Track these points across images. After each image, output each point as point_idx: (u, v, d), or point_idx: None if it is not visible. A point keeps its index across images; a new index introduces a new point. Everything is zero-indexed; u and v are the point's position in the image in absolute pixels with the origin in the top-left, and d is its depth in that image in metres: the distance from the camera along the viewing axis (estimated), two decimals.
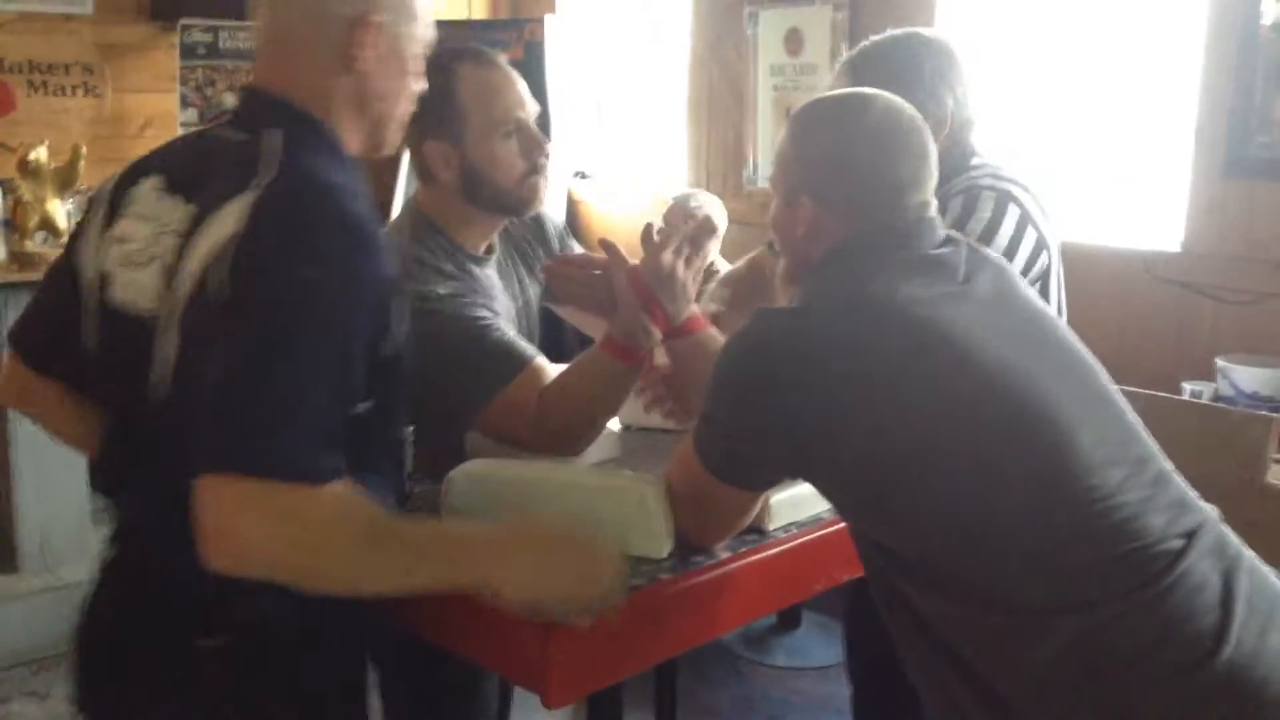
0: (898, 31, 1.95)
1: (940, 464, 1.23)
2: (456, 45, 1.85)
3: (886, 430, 1.24)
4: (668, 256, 1.65)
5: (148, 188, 1.30)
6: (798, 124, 1.46)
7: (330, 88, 1.31)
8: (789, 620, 3.46)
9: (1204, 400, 2.71)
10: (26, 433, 3.20)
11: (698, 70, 4.33)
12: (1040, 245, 1.88)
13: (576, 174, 4.70)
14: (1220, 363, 2.74)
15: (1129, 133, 3.24)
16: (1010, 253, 1.81)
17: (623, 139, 4.91)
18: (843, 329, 1.28)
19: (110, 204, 1.34)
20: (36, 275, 3.14)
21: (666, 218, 3.39)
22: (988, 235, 1.80)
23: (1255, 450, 2.51)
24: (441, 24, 4.74)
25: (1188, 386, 2.76)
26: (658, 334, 1.68)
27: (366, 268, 1.21)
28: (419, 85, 1.40)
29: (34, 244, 3.27)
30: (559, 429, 1.69)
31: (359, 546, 1.16)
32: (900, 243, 1.37)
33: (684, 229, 1.71)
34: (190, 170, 1.30)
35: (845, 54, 1.95)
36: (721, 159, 4.29)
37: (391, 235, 1.86)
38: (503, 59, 1.87)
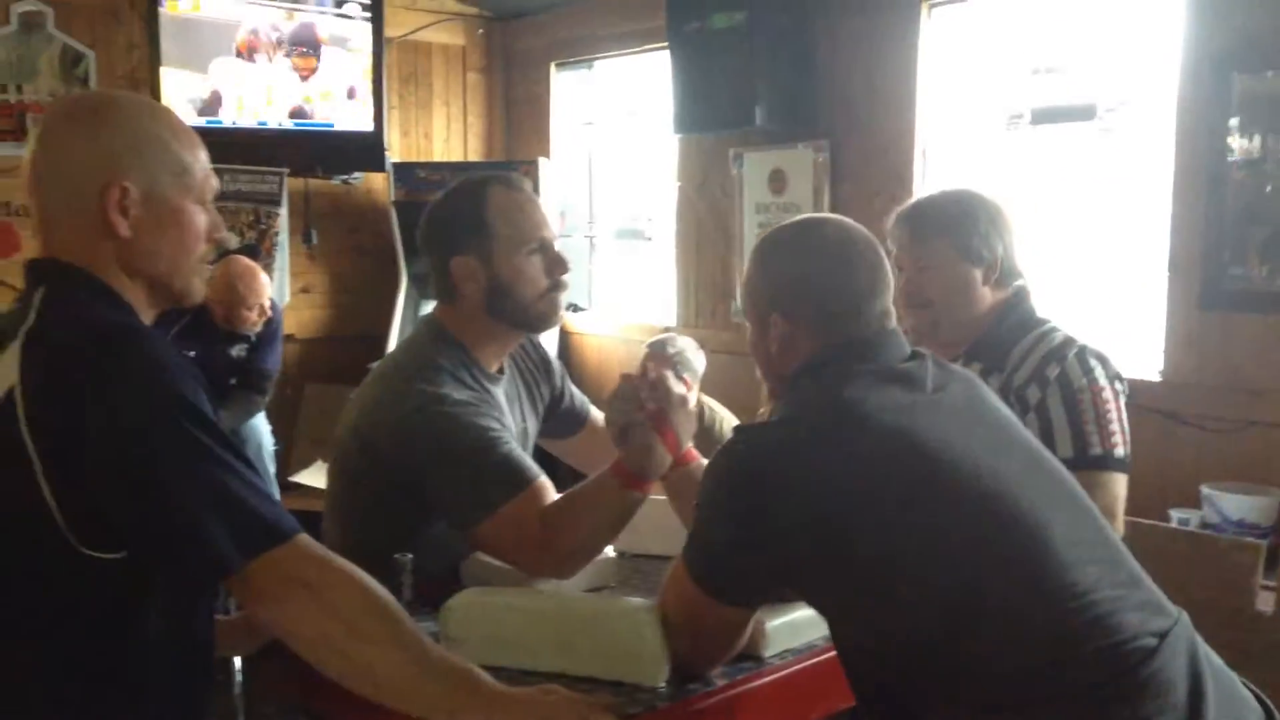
0: (951, 188, 2.12)
1: (919, 567, 1.27)
2: (485, 174, 1.98)
3: (867, 532, 1.28)
4: (678, 386, 1.71)
5: None
6: (760, 250, 1.55)
7: (98, 254, 1.30)
8: None
9: (1191, 528, 2.74)
10: None
11: (686, 208, 4.47)
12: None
13: (570, 306, 4.79)
14: (1205, 490, 2.78)
15: (1105, 265, 3.33)
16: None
17: (614, 274, 5.03)
18: (822, 437, 1.33)
19: None
20: None
21: (645, 361, 3.44)
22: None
23: (1244, 576, 2.53)
24: (440, 165, 4.89)
25: (1175, 514, 2.79)
26: (669, 459, 1.72)
27: (163, 356, 1.23)
28: (206, 234, 1.37)
29: None
30: (561, 551, 1.72)
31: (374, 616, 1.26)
32: (868, 354, 1.44)
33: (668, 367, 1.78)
34: None
35: (899, 208, 2.10)
36: (709, 292, 4.39)
37: (408, 349, 1.95)
38: (528, 185, 1.98)
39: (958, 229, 1.99)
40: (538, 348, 2.18)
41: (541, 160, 4.78)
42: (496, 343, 1.95)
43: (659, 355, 3.47)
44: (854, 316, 1.45)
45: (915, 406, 1.37)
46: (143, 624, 1.26)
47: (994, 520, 1.29)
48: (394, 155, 4.94)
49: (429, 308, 4.72)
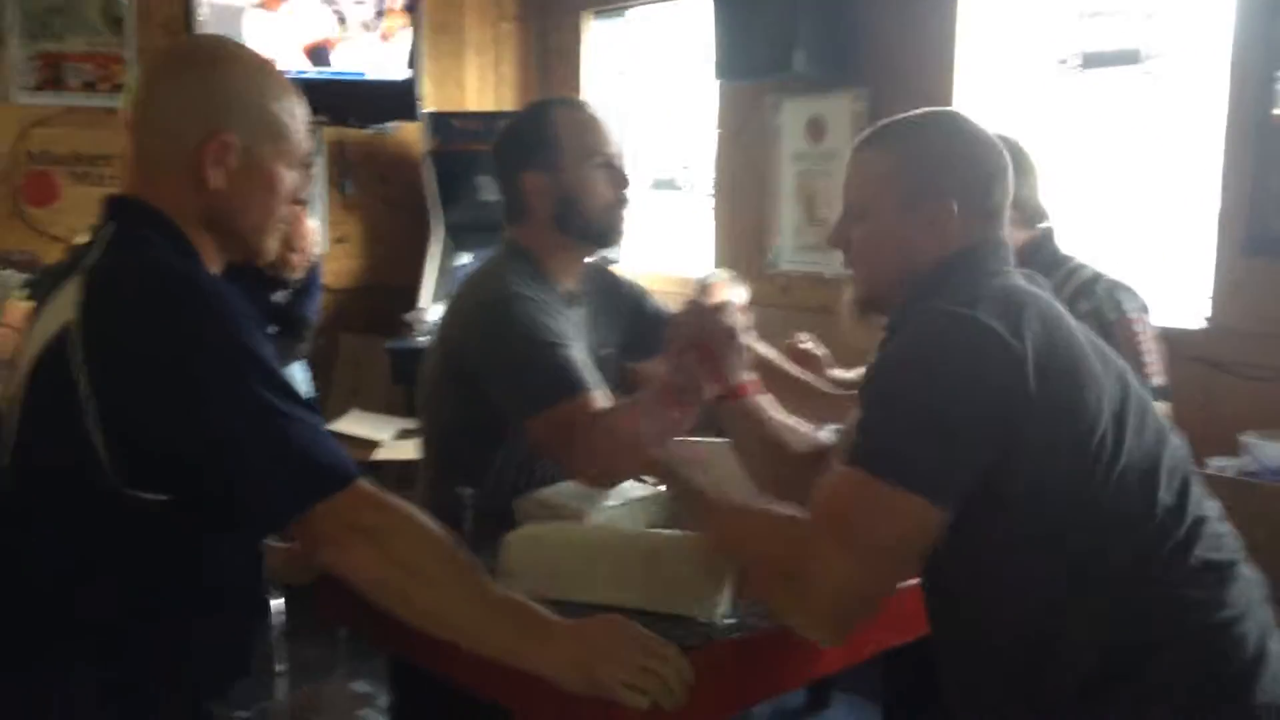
0: None
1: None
2: (551, 97, 2.08)
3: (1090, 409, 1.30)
4: (726, 319, 1.74)
5: (15, 299, 1.36)
6: (893, 136, 1.51)
7: (184, 204, 1.31)
8: (819, 699, 3.43)
9: (1230, 476, 2.73)
10: None
11: (723, 157, 4.44)
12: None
13: (603, 258, 4.78)
14: (1245, 439, 2.77)
15: (1151, 211, 3.31)
16: None
17: (648, 225, 5.02)
18: (1023, 322, 1.31)
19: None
20: None
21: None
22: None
23: None
24: (473, 115, 4.88)
25: (1213, 463, 2.78)
26: (711, 389, 1.75)
27: (222, 304, 1.23)
28: (289, 196, 1.39)
29: None
30: (600, 457, 1.77)
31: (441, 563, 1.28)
32: (1007, 256, 1.48)
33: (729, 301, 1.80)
34: (44, 278, 1.35)
35: None
36: (745, 243, 4.38)
37: (486, 263, 2.03)
38: (591, 105, 2.05)
39: None
40: (608, 277, 2.22)
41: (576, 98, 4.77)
42: (567, 258, 2.02)
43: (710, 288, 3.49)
44: (1001, 205, 1.48)
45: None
46: (190, 562, 1.27)
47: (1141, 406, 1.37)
48: (427, 105, 4.93)
49: (463, 259, 4.78)
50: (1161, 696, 1.29)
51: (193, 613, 1.29)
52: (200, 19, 4.35)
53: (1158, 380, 1.95)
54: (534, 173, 1.95)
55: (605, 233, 2.00)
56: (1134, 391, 1.38)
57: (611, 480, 1.81)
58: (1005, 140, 2.04)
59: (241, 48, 1.39)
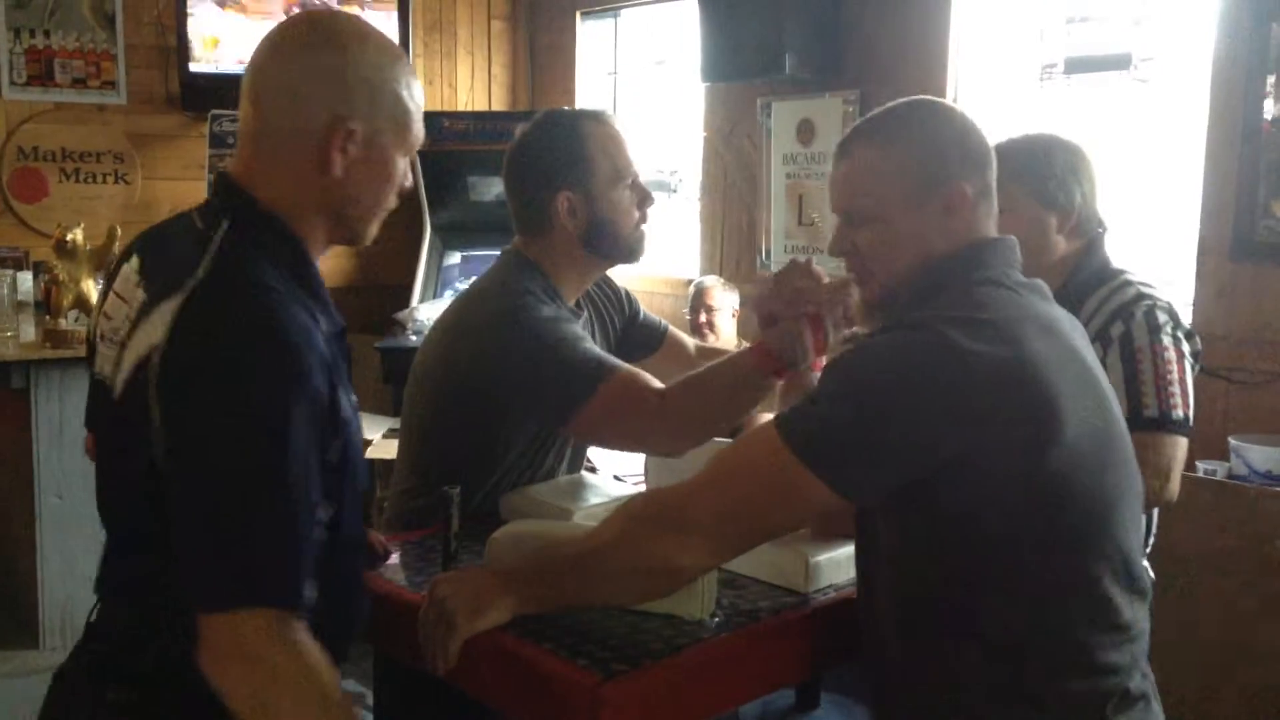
0: (1029, 133, 2.07)
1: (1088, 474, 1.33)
2: (568, 109, 2.01)
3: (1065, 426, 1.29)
4: (853, 289, 1.64)
5: (130, 268, 1.34)
6: (897, 121, 1.46)
7: (301, 187, 1.29)
8: (807, 700, 3.44)
9: (1219, 479, 2.75)
10: (52, 510, 3.24)
11: (713, 159, 4.45)
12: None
13: None
14: (1234, 442, 2.79)
15: (1132, 213, 3.32)
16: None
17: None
18: (1028, 353, 1.30)
19: (108, 278, 1.41)
20: (70, 352, 3.22)
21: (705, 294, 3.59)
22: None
23: (1272, 526, 2.55)
24: (464, 115, 4.88)
25: (1202, 465, 2.80)
26: (813, 356, 1.69)
27: (298, 378, 1.18)
28: (400, 186, 1.36)
29: (67, 322, 3.34)
30: (680, 415, 1.73)
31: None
32: (1010, 257, 1.46)
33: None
34: (157, 256, 1.32)
35: None
36: (735, 243, 4.39)
37: (492, 273, 1.97)
38: (615, 118, 2.00)
39: (1033, 172, 1.94)
40: (609, 280, 2.21)
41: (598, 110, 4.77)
42: (582, 275, 2.00)
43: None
44: (994, 188, 1.46)
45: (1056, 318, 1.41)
46: None
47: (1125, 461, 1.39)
48: None
49: (453, 259, 4.77)
50: None
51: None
52: (191, 15, 4.34)
53: (1178, 414, 1.85)
54: (566, 192, 1.89)
55: (630, 252, 1.98)
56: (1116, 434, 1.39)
57: (680, 445, 1.77)
58: (1059, 142, 2.01)
59: (371, 28, 1.35)
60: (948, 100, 3.56)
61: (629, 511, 1.41)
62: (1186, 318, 3.00)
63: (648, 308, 2.33)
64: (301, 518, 1.18)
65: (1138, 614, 1.39)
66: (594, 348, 1.82)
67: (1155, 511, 2.01)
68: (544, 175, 1.91)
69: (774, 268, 4.18)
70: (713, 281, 4.01)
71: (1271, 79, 2.86)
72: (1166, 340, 1.88)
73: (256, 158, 1.30)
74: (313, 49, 1.29)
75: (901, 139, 1.44)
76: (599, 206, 1.90)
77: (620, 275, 2.25)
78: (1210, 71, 2.99)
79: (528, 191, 1.93)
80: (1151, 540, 2.02)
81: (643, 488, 1.97)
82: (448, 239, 4.80)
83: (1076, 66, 3.37)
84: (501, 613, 1.39)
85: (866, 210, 1.45)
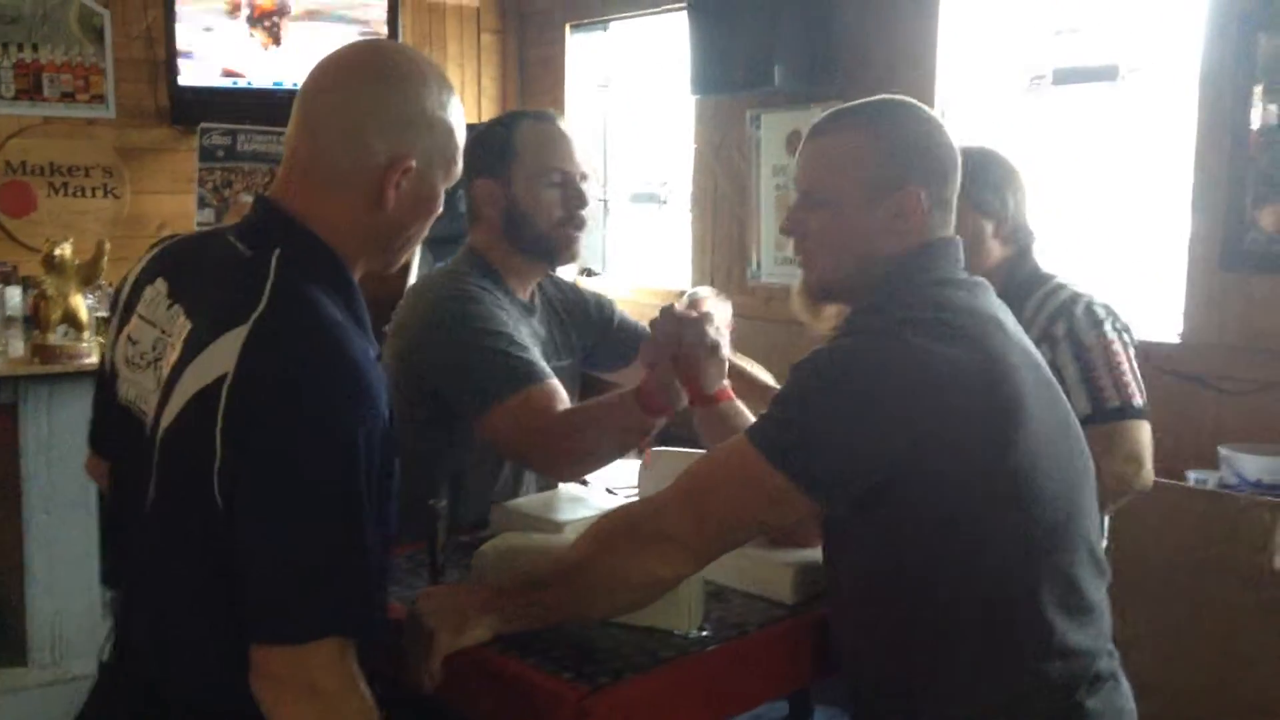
0: (972, 144, 2.12)
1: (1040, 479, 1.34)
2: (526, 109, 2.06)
3: (1009, 441, 1.31)
4: (710, 331, 1.73)
5: (155, 291, 1.33)
6: (856, 119, 1.47)
7: (353, 220, 1.29)
8: (800, 711, 3.43)
9: (1210, 488, 2.75)
10: (39, 527, 3.22)
11: (702, 170, 4.45)
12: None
13: (583, 271, 4.79)
14: (1224, 451, 2.78)
15: (1121, 224, 3.33)
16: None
17: (629, 238, 5.02)
18: (958, 349, 1.31)
19: (128, 299, 1.38)
20: (59, 368, 3.20)
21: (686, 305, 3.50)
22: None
23: (1263, 535, 2.54)
24: None
25: (1192, 475, 2.80)
26: (684, 400, 1.77)
27: (363, 410, 1.19)
28: (436, 214, 1.38)
29: (56, 337, 3.33)
30: (568, 450, 1.79)
31: None
32: (958, 256, 1.48)
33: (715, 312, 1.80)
34: (191, 279, 1.31)
35: None
36: (726, 255, 4.39)
37: (446, 266, 2.01)
38: (564, 121, 2.03)
39: (969, 180, 1.97)
40: (575, 289, 2.23)
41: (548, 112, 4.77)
42: (521, 269, 2.02)
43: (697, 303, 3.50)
44: (954, 198, 1.47)
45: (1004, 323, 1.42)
46: None
47: (1079, 466, 1.42)
48: None
49: None
50: None
51: None
52: (179, 31, 4.34)
53: (1137, 401, 1.95)
54: (485, 179, 1.96)
55: (554, 250, 1.98)
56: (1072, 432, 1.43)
57: (567, 475, 1.82)
58: (995, 156, 2.08)
59: (428, 62, 1.35)
60: (934, 110, 3.58)
61: (605, 525, 1.41)
62: (1177, 327, 3.04)
63: (638, 319, 2.32)
64: (373, 546, 1.19)
65: (1101, 594, 1.43)
66: (533, 352, 1.85)
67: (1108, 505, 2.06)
68: (471, 161, 1.93)
69: (765, 278, 4.19)
70: (706, 293, 3.99)
71: (1259, 88, 2.87)
72: (1110, 333, 1.99)
73: (310, 189, 1.29)
74: (375, 84, 1.28)
75: (868, 133, 1.44)
76: (515, 197, 1.94)
77: (609, 285, 2.25)
78: (1198, 81, 3.00)
79: (462, 182, 1.96)
80: (1108, 528, 2.08)
81: (634, 493, 1.97)
82: (437, 251, 4.79)
83: (1065, 77, 3.38)
84: (483, 630, 1.39)
85: (822, 194, 1.45)
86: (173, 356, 1.24)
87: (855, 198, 1.43)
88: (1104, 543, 1.62)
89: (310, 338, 1.20)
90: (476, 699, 1.43)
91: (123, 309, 1.39)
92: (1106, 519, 2.01)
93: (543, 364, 1.85)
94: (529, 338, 1.93)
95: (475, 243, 2.01)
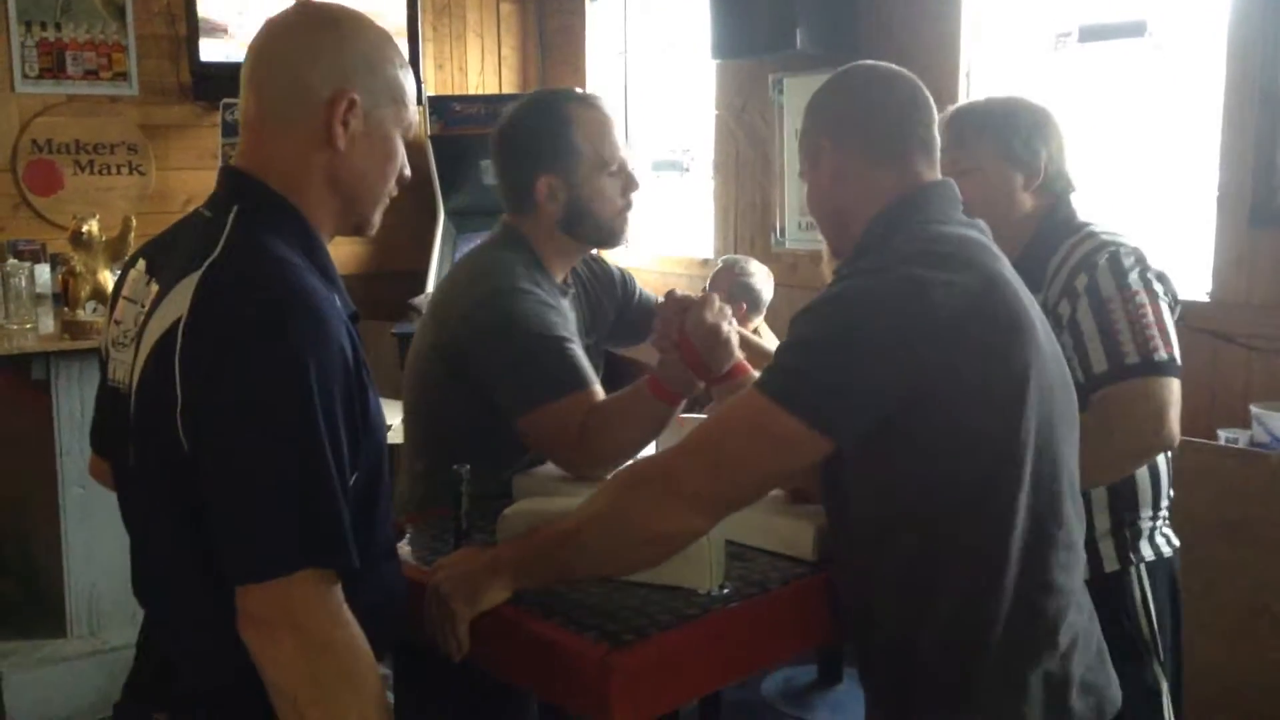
0: (995, 95, 2.07)
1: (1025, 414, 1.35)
2: (559, 89, 2.07)
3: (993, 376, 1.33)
4: (709, 315, 1.74)
5: (137, 272, 1.37)
6: (830, 81, 1.56)
7: (306, 165, 1.31)
8: (830, 675, 3.44)
9: (1241, 446, 2.72)
10: (75, 501, 3.26)
11: (724, 136, 4.43)
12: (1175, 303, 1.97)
13: None
14: (1255, 410, 2.76)
15: (1149, 182, 3.29)
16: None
17: (651, 206, 5.01)
18: (955, 280, 1.33)
19: (115, 286, 1.43)
20: (89, 344, 3.23)
21: (714, 279, 3.47)
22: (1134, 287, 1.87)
23: None
24: (475, 98, 4.87)
25: (1223, 434, 2.77)
26: (699, 383, 1.78)
27: (322, 340, 1.20)
28: (400, 170, 1.39)
29: (85, 313, 3.36)
30: (596, 453, 1.79)
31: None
32: (950, 197, 1.50)
33: (722, 289, 1.80)
34: (166, 254, 1.34)
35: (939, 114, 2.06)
36: (749, 222, 4.37)
37: (485, 248, 1.99)
38: (605, 102, 2.00)
39: (998, 131, 1.94)
40: (600, 262, 2.22)
41: (577, 90, 4.75)
42: (565, 255, 2.01)
43: (722, 278, 3.46)
44: (922, 143, 1.48)
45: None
46: None
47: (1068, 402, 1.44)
48: (429, 89, 4.92)
49: (468, 243, 4.77)
50: None
51: None
52: (206, 5, 4.35)
53: (1160, 355, 1.76)
54: (549, 176, 1.91)
55: (610, 237, 1.99)
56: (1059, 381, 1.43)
57: (600, 475, 1.80)
58: (1033, 107, 2.00)
59: (364, 17, 1.38)
60: (964, 79, 3.55)
61: (617, 482, 1.42)
62: (1206, 285, 3.00)
63: (661, 289, 2.32)
64: (337, 475, 1.19)
65: (1079, 532, 1.46)
66: (578, 352, 1.84)
67: (1166, 467, 1.97)
68: (527, 158, 1.93)
69: (789, 244, 4.17)
70: (751, 270, 3.86)
71: None
72: (1135, 283, 1.82)
73: (261, 143, 1.32)
74: (311, 31, 1.33)
75: (812, 102, 1.55)
76: (580, 193, 1.92)
77: (632, 255, 2.25)
78: (1226, 37, 2.95)
79: (511, 173, 1.96)
80: (1168, 498, 1.99)
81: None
82: (461, 223, 4.81)
83: (1091, 35, 3.33)
84: (497, 592, 1.41)
85: (802, 160, 1.57)
86: (144, 320, 1.28)
87: (808, 165, 1.55)
88: None
89: (264, 276, 1.22)
90: (500, 658, 1.44)
91: (112, 297, 1.44)
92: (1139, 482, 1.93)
93: (584, 365, 1.84)
94: (570, 325, 1.93)
95: (523, 228, 1.97)
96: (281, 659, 1.16)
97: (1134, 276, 1.82)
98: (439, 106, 4.78)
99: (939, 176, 1.51)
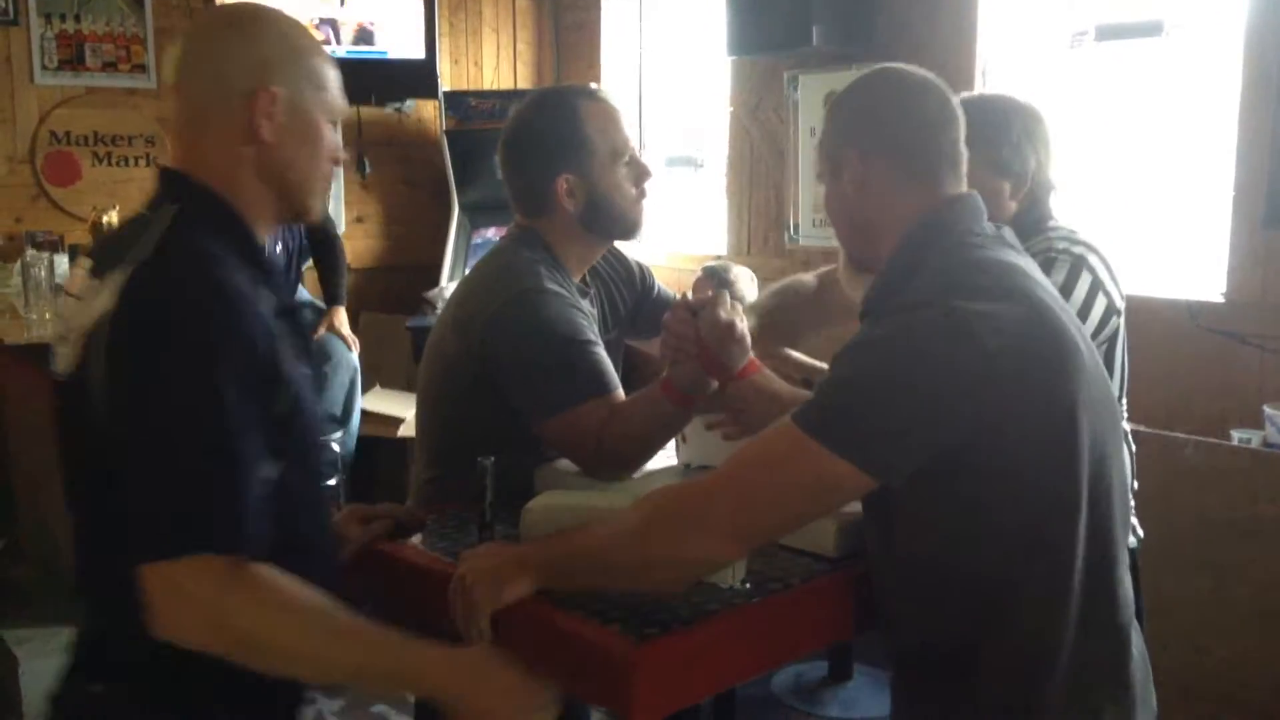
0: (990, 91, 2.02)
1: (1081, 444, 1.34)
2: (563, 86, 2.05)
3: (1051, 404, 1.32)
4: (722, 313, 1.73)
5: (81, 269, 1.40)
6: (832, 103, 1.54)
7: (236, 160, 1.35)
8: (841, 672, 3.46)
9: (1254, 447, 2.73)
10: None
11: (738, 133, 4.44)
12: (1110, 310, 1.93)
13: None
14: (1269, 410, 2.76)
15: (1167, 183, 3.29)
16: (1083, 316, 1.86)
17: (665, 202, 5.02)
18: (1001, 309, 1.32)
19: (65, 286, 1.48)
20: None
21: (695, 286, 3.45)
22: (1062, 297, 1.85)
23: None
24: (490, 94, 4.88)
25: (1236, 434, 2.78)
26: (713, 384, 1.78)
27: (234, 332, 1.23)
28: (332, 153, 1.41)
29: None
30: (614, 457, 1.80)
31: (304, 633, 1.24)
32: (977, 213, 1.48)
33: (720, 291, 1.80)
34: (106, 249, 1.38)
35: None
36: (762, 219, 4.38)
37: (505, 249, 1.98)
38: (610, 94, 2.01)
39: (988, 139, 1.86)
40: (618, 255, 2.22)
41: (592, 86, 4.76)
42: (585, 253, 2.02)
43: (709, 281, 3.46)
44: (950, 157, 1.46)
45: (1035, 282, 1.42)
46: None
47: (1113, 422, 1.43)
48: (444, 83, 4.94)
49: (481, 237, 4.79)
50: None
51: None
52: None
53: None
54: (566, 174, 1.91)
55: (629, 229, 1.99)
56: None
57: (620, 474, 1.82)
58: (1018, 108, 1.97)
59: (276, 11, 1.43)
60: (979, 78, 3.55)
61: (650, 504, 1.41)
62: (1220, 285, 3.00)
63: (673, 286, 2.33)
64: (242, 467, 1.23)
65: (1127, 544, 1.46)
66: (590, 353, 1.84)
67: (1130, 459, 1.99)
68: (543, 159, 1.92)
69: (803, 241, 4.17)
70: (734, 274, 3.77)
71: None
72: (1082, 296, 1.85)
73: (191, 143, 1.37)
74: (226, 30, 1.38)
75: (834, 108, 1.53)
76: (598, 187, 1.92)
77: (645, 252, 2.25)
78: (1243, 37, 2.95)
79: (527, 174, 1.95)
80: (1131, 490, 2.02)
81: (673, 459, 1.98)
82: (475, 217, 4.82)
83: (1108, 33, 3.33)
84: (520, 587, 1.42)
85: (822, 163, 1.53)
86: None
87: (827, 174, 1.51)
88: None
89: (184, 271, 1.26)
90: (523, 651, 1.45)
91: (64, 294, 1.47)
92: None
93: (607, 367, 1.85)
94: (594, 328, 1.93)
95: (542, 229, 1.97)
96: (200, 636, 1.20)
97: (1081, 289, 1.85)
98: (454, 101, 4.80)
99: (964, 189, 1.49)
